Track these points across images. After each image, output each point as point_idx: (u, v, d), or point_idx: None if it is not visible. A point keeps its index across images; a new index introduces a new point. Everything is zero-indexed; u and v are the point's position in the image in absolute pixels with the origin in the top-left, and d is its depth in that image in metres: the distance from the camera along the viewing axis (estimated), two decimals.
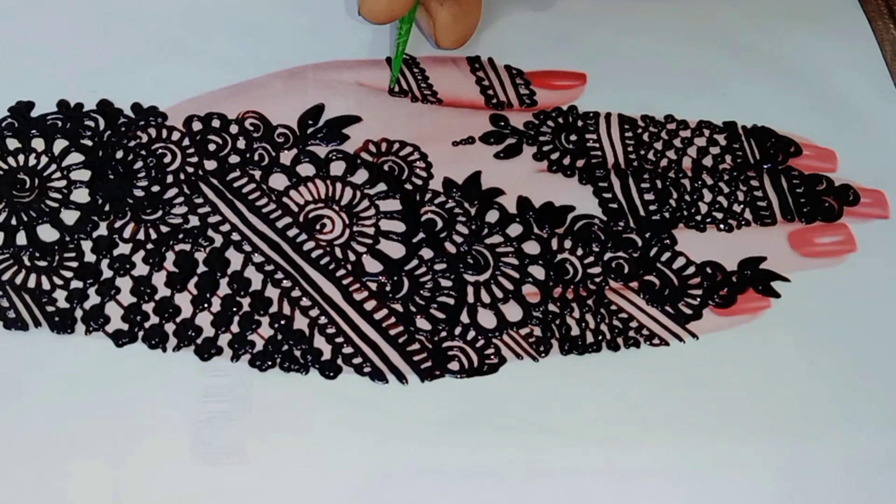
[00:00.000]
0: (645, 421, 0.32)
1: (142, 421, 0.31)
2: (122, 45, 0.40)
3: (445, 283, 0.34)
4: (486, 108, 0.39)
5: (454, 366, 0.33)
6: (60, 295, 0.33)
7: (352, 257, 0.35)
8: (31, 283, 0.33)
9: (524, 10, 0.42)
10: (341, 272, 0.34)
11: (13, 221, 0.34)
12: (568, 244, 0.36)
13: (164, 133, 0.37)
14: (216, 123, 0.37)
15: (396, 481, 0.30)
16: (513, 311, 0.34)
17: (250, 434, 0.31)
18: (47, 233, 0.34)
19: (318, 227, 0.35)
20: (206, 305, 0.33)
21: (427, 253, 0.35)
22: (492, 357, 0.33)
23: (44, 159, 0.36)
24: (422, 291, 0.34)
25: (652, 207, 0.37)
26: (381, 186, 0.36)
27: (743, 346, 0.34)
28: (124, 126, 0.37)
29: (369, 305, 0.34)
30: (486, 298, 0.34)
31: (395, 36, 0.40)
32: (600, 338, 0.33)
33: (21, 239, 0.34)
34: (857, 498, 0.31)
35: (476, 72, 0.40)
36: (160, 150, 0.37)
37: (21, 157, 0.36)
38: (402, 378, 0.32)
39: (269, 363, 0.32)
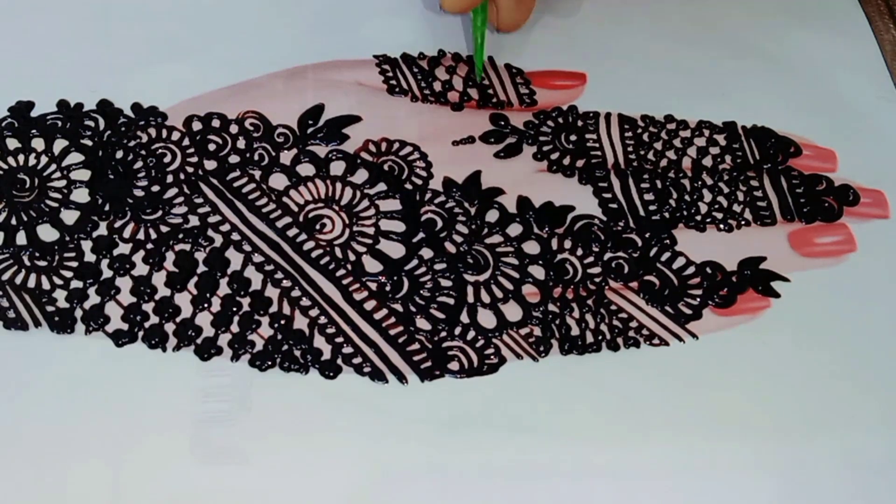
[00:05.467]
0: (645, 421, 0.32)
1: (142, 421, 0.31)
2: (122, 45, 0.40)
3: (445, 282, 0.34)
4: (486, 108, 0.39)
5: (454, 366, 0.33)
6: (60, 295, 0.33)
7: (352, 257, 0.35)
8: (31, 283, 0.33)
9: None
10: (341, 272, 0.34)
11: (13, 221, 0.34)
12: (568, 244, 0.36)
13: (164, 133, 0.37)
14: (216, 123, 0.37)
15: (396, 481, 0.30)
16: (513, 311, 0.34)
17: (250, 434, 0.31)
18: (47, 233, 0.34)
19: (318, 226, 0.35)
20: (206, 305, 0.33)
21: (427, 253, 0.35)
22: (492, 357, 0.33)
23: (44, 159, 0.36)
24: (422, 291, 0.34)
25: (652, 207, 0.37)
26: (381, 186, 0.36)
27: (743, 346, 0.34)
28: (124, 126, 0.37)
29: (369, 305, 0.34)
30: (486, 298, 0.34)
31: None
32: (600, 338, 0.33)
33: (21, 239, 0.34)
34: (857, 498, 0.31)
35: None
36: (160, 150, 0.37)
37: (21, 157, 0.36)
38: (402, 378, 0.32)
39: (269, 363, 0.32)
